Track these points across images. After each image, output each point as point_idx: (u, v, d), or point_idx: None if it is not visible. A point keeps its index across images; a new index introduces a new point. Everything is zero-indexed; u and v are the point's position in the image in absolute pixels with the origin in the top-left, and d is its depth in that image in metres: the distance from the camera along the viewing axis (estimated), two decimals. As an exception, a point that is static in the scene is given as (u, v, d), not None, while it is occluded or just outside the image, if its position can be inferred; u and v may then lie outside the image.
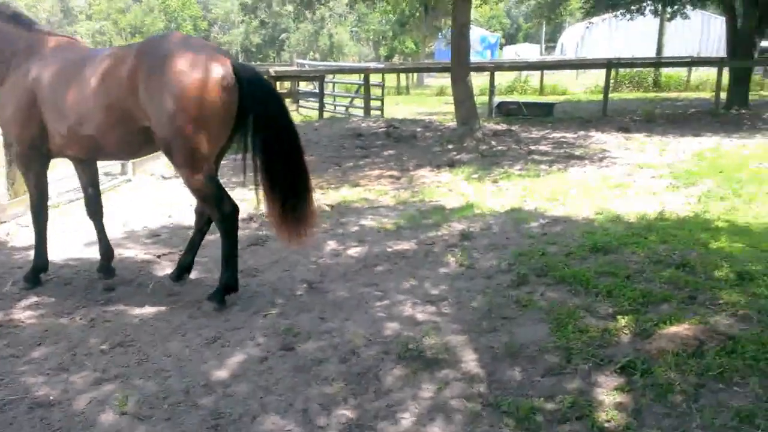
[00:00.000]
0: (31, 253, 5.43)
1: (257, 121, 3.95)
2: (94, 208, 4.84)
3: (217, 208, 4.06)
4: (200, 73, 3.77)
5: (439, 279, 4.65)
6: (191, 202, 7.46)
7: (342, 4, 18.75)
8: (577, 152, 10.39)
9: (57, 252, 5.50)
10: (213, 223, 4.31)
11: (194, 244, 4.66)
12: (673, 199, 6.92)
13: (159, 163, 9.33)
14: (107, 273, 4.84)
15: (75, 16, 63.89)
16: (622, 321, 3.65)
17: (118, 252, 5.51)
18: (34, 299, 4.39)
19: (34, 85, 4.26)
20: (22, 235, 5.95)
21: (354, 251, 5.42)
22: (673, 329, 3.44)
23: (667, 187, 7.55)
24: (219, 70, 3.82)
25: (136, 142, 4.19)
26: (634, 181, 7.99)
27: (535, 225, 6.00)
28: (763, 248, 4.97)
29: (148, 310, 4.20)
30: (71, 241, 5.86)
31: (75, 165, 4.83)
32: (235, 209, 4.14)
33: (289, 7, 13.86)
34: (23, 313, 4.14)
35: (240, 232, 6.00)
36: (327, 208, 7.03)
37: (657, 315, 3.73)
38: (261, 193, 4.09)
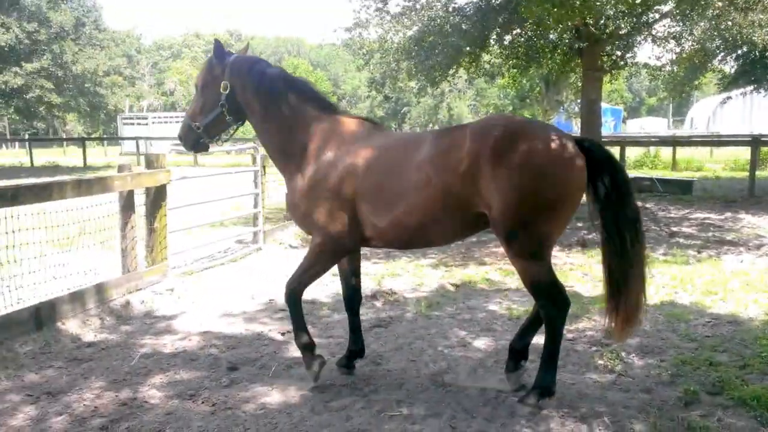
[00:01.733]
0: (167, 324, 5.55)
1: (606, 198, 3.62)
2: (354, 299, 4.40)
3: (552, 302, 3.67)
4: (556, 154, 3.48)
5: (588, 387, 4.07)
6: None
7: (462, 79, 19.07)
8: (729, 237, 9.32)
9: (187, 323, 5.54)
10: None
11: (526, 331, 4.16)
12: None
13: (287, 233, 9.47)
14: (348, 368, 4.40)
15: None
16: (841, 471, 2.90)
17: (245, 327, 5.46)
18: (160, 376, 4.34)
19: (349, 172, 3.86)
20: (157, 305, 6.08)
21: (482, 342, 4.98)
22: None
23: None
24: (571, 149, 3.52)
25: (460, 230, 3.91)
26: (806, 275, 6.91)
27: (696, 324, 5.24)
28: None
29: (269, 398, 3.98)
30: (203, 312, 5.89)
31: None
32: (568, 304, 3.74)
33: (412, 83, 14.36)
34: (148, 392, 4.07)
35: (363, 312, 5.87)
36: (451, 288, 6.67)
37: None
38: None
